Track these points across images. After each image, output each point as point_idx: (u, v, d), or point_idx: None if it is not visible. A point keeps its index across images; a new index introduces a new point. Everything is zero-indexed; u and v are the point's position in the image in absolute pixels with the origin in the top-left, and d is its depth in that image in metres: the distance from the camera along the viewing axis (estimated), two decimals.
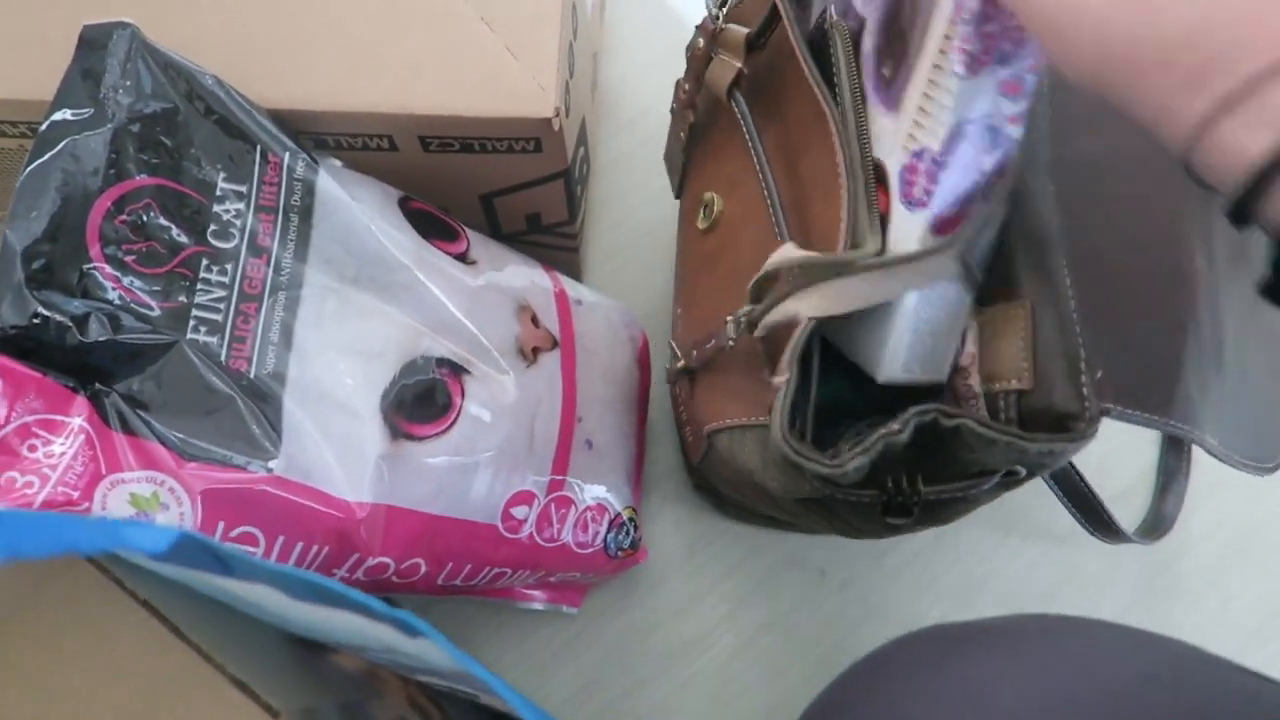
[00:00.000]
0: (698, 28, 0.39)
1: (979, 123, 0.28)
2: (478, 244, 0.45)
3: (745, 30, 0.35)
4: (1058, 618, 0.32)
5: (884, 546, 0.55)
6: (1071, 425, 0.26)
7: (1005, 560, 0.55)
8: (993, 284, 0.30)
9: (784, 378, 0.27)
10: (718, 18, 0.38)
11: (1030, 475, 0.28)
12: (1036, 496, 0.53)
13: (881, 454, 0.27)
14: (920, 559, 0.55)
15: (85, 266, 0.33)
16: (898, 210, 0.29)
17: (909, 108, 0.29)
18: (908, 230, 0.29)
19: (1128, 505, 0.54)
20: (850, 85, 0.31)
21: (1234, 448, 0.29)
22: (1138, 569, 0.55)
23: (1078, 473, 0.45)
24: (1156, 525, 0.54)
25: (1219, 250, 0.31)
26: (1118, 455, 0.57)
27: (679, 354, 0.42)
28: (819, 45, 0.33)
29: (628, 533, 0.48)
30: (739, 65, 0.36)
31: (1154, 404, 0.27)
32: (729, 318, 0.32)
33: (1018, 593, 0.54)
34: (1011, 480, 0.28)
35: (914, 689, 0.29)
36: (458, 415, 0.39)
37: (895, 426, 0.26)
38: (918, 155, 0.29)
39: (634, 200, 0.62)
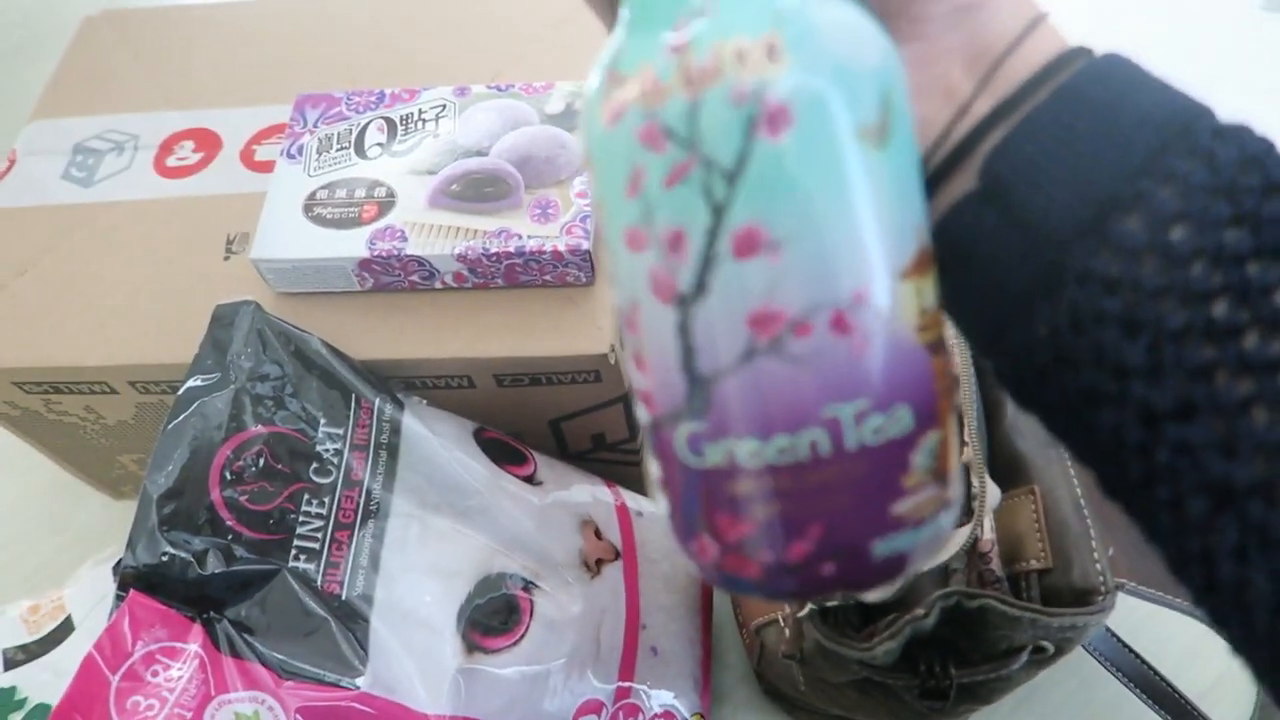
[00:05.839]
0: None
1: None
2: (544, 465, 0.49)
3: None
4: None
5: None
6: (1090, 599, 0.28)
7: None
8: (1000, 475, 0.32)
9: None
10: None
11: (1059, 652, 0.29)
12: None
13: (910, 638, 0.28)
14: None
15: (206, 507, 0.39)
16: None
17: None
18: None
19: (1219, 702, 0.51)
20: None
21: None
22: None
23: (1160, 676, 0.44)
24: None
25: None
26: (1197, 649, 0.54)
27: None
28: None
29: None
30: None
31: (1165, 584, 0.28)
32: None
33: None
34: (1041, 658, 0.29)
35: None
36: (528, 627, 0.42)
37: (920, 612, 0.28)
38: None
39: None
